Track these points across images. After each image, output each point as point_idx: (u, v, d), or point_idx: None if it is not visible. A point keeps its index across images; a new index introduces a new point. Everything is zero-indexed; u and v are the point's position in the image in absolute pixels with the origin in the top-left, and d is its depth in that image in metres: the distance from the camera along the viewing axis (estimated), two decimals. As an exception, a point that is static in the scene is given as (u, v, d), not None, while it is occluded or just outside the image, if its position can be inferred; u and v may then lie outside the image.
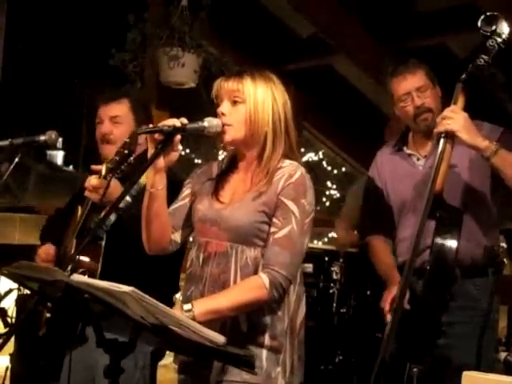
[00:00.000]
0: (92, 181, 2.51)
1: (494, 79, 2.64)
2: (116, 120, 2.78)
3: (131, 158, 2.43)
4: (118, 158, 2.37)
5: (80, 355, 2.64)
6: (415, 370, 2.48)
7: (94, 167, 2.56)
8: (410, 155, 2.96)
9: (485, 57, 2.59)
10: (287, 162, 2.18)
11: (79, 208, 2.77)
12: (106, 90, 2.92)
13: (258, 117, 2.15)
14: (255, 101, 2.15)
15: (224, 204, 2.20)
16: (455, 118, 2.59)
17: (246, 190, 2.19)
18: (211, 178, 2.28)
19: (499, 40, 2.58)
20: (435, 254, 2.60)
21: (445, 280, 2.59)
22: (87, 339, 2.62)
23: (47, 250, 2.88)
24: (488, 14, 2.60)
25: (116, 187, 2.52)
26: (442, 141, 2.62)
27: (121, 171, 2.43)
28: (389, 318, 2.69)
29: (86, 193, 2.55)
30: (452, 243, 2.59)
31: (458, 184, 2.80)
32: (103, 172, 2.47)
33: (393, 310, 2.62)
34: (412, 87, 2.84)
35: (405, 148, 2.99)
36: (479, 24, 2.60)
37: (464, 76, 2.63)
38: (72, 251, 2.67)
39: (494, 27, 2.59)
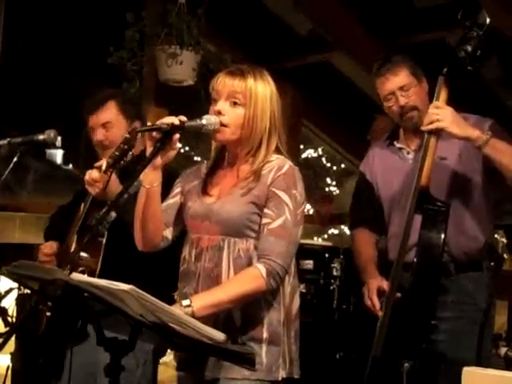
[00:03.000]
0: (93, 174, 2.55)
1: (478, 72, 2.60)
2: (108, 126, 2.84)
3: (131, 153, 2.47)
4: (118, 153, 2.39)
5: (81, 352, 2.66)
6: (406, 365, 2.48)
7: (96, 164, 2.59)
8: (400, 149, 2.96)
9: (466, 49, 2.57)
10: (274, 156, 2.21)
11: (82, 205, 2.79)
12: (91, 97, 2.94)
13: (257, 123, 2.17)
14: (255, 107, 2.16)
15: (213, 198, 2.21)
16: (442, 114, 2.58)
17: (232, 184, 2.21)
18: (200, 179, 2.30)
19: (480, 31, 2.56)
20: (422, 248, 2.60)
21: (432, 273, 2.59)
22: (88, 336, 2.64)
23: (51, 245, 2.91)
24: (468, 5, 2.60)
25: (115, 182, 2.55)
26: (426, 136, 2.63)
27: (121, 166, 2.47)
28: (379, 312, 2.70)
29: (86, 186, 2.58)
30: (438, 236, 2.58)
31: (448, 178, 2.80)
32: (104, 167, 2.51)
33: (383, 306, 2.63)
34: (395, 87, 2.82)
35: (395, 142, 2.99)
36: (459, 16, 2.60)
37: (445, 69, 2.62)
38: (72, 247, 2.69)
39: (473, 18, 2.57)
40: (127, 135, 2.41)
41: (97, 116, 2.85)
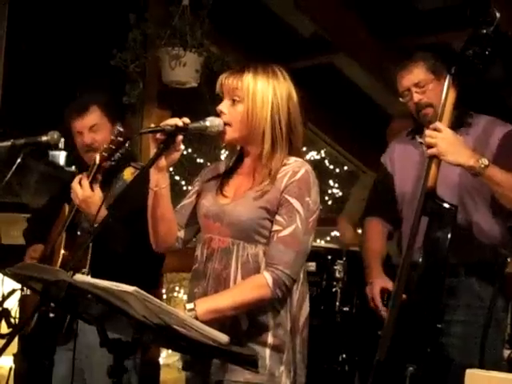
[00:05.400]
0: (77, 190, 2.64)
1: (487, 71, 2.57)
2: (94, 128, 2.88)
3: (127, 145, 2.50)
4: (113, 147, 2.42)
5: (69, 350, 2.70)
6: (410, 369, 2.47)
7: (80, 180, 2.66)
8: (421, 144, 2.94)
9: (475, 47, 2.54)
10: (292, 159, 2.17)
11: (66, 205, 2.84)
12: (72, 102, 2.98)
13: (256, 116, 2.14)
14: (253, 100, 2.14)
15: (227, 199, 2.20)
16: (438, 139, 2.54)
17: (248, 187, 2.19)
18: (217, 176, 2.29)
19: (489, 29, 2.52)
20: (427, 248, 2.58)
21: (438, 274, 2.57)
22: (75, 334, 2.68)
23: (37, 248, 2.99)
24: (477, 2, 2.57)
25: (98, 196, 2.59)
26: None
27: (114, 159, 2.51)
28: (384, 311, 2.69)
29: (72, 195, 2.65)
30: (444, 237, 2.56)
31: (458, 182, 2.78)
32: (97, 161, 2.56)
33: (390, 306, 2.62)
34: (410, 84, 2.84)
35: (417, 136, 2.98)
36: (467, 13, 2.57)
37: (453, 68, 2.60)
38: (61, 246, 2.72)
39: (483, 16, 2.54)
40: (121, 129, 2.45)
41: (82, 120, 2.89)
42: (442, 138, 2.54)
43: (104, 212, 2.51)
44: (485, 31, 2.51)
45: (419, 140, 2.95)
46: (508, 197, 2.61)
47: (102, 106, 2.91)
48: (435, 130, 2.56)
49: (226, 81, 2.18)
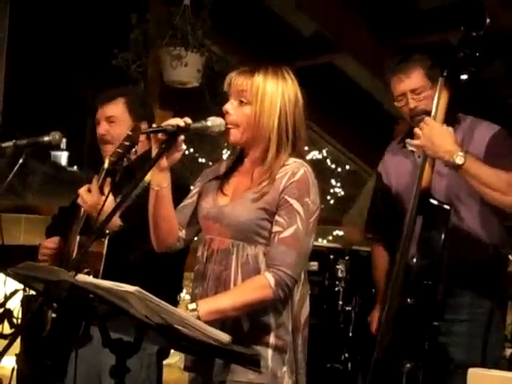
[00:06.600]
0: (85, 196, 2.59)
1: (479, 73, 2.57)
2: (111, 120, 2.82)
3: (134, 150, 2.47)
4: (120, 151, 2.40)
5: (85, 355, 2.66)
6: (407, 365, 2.47)
7: (88, 186, 2.62)
8: (412, 152, 2.95)
9: (465, 50, 2.53)
10: (291, 159, 2.15)
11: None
12: (105, 91, 2.93)
13: (263, 121, 2.12)
14: (261, 105, 2.12)
15: (226, 198, 2.20)
16: (423, 131, 2.56)
17: (246, 187, 2.18)
18: (218, 176, 2.28)
19: (479, 32, 2.52)
20: (422, 248, 2.58)
21: (433, 274, 2.57)
22: (91, 338, 2.64)
23: (53, 240, 2.91)
24: (467, 5, 2.58)
25: (107, 204, 2.56)
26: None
27: (123, 163, 2.48)
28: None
29: (79, 201, 2.61)
30: (438, 236, 2.56)
31: (452, 182, 2.78)
32: (106, 165, 2.53)
33: (387, 305, 2.63)
34: (407, 89, 2.77)
35: (407, 145, 2.98)
36: (459, 16, 2.57)
37: (446, 71, 2.59)
38: (75, 248, 2.70)
39: (473, 19, 2.53)
40: (130, 132, 2.42)
41: (103, 109, 2.84)
42: (425, 133, 2.56)
43: (114, 218, 2.47)
44: (475, 34, 2.52)
45: (410, 148, 2.95)
46: (484, 192, 2.57)
47: (129, 101, 2.84)
48: (426, 124, 2.59)
49: (235, 81, 2.16)
